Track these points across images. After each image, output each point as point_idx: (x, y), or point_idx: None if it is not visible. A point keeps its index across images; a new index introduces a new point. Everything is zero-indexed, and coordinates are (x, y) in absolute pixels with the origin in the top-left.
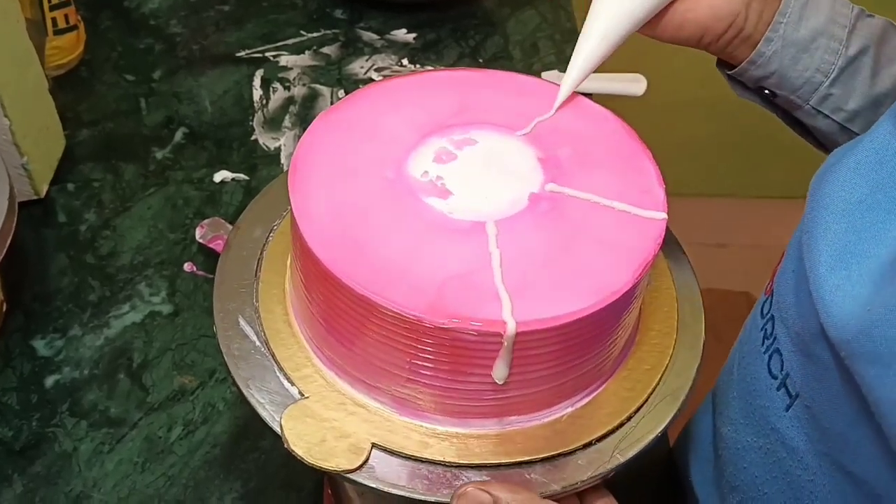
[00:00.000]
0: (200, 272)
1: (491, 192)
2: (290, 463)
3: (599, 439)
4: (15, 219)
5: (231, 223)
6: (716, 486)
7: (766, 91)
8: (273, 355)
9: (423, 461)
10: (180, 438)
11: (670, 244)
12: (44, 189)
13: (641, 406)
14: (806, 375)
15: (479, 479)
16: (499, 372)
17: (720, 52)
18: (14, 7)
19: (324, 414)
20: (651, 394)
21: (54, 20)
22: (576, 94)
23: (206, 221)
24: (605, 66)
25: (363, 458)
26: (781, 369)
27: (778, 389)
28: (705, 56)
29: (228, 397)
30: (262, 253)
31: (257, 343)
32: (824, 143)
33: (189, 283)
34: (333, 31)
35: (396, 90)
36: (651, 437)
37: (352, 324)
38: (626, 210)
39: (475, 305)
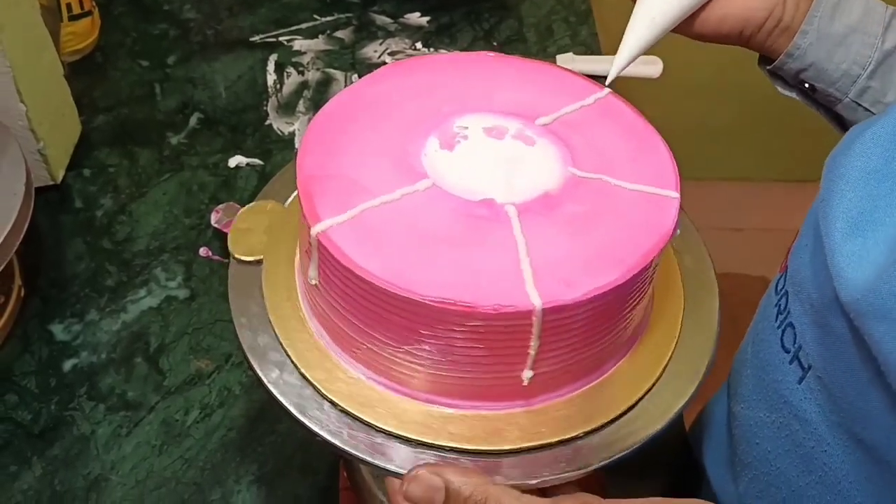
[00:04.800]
0: (216, 257)
1: (501, 177)
2: (306, 446)
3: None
4: (32, 204)
5: None
6: (728, 466)
7: (807, 85)
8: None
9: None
10: (197, 422)
11: (686, 230)
12: (60, 175)
13: (643, 396)
14: (819, 346)
15: (431, 462)
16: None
17: (762, 46)
18: None
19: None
20: (654, 383)
21: (69, 6)
22: (598, 87)
23: (220, 206)
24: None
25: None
26: (794, 342)
27: (790, 363)
28: None
29: (245, 381)
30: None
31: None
32: None
33: (205, 268)
34: (347, 14)
35: (419, 70)
36: (641, 438)
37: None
38: (641, 190)
39: (501, 290)
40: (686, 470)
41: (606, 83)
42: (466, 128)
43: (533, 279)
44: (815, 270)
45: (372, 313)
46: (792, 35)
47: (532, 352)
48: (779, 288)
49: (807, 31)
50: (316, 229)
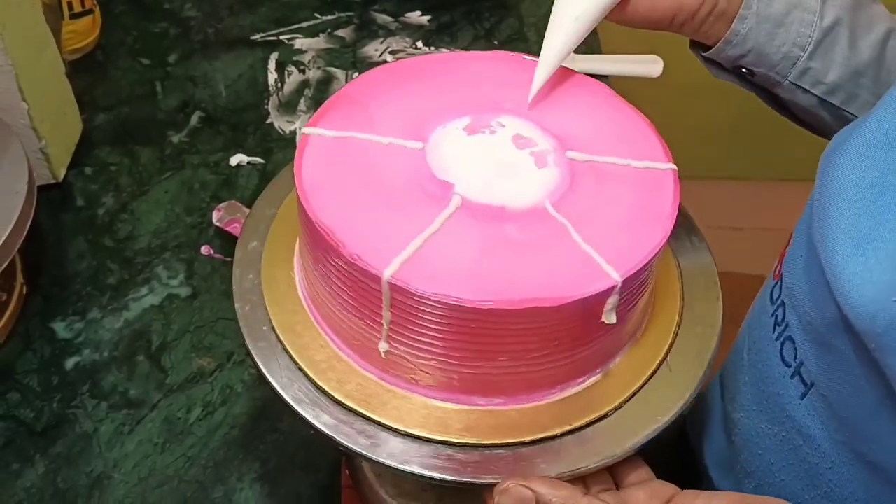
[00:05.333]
0: (217, 255)
1: (475, 170)
2: (308, 444)
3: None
4: (34, 203)
5: (247, 206)
6: (730, 470)
7: (744, 70)
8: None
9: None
10: (199, 420)
11: (688, 230)
12: (62, 173)
13: (634, 396)
14: (822, 365)
15: (520, 477)
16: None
17: (696, 32)
18: None
19: None
20: (652, 375)
21: (70, 4)
22: (668, 158)
23: (222, 205)
24: (622, 48)
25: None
26: (795, 357)
27: (792, 377)
28: None
29: (247, 379)
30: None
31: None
32: (804, 119)
33: (206, 266)
34: (348, 13)
35: (524, 68)
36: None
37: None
38: (590, 255)
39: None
40: (685, 467)
41: (529, 99)
42: (503, 126)
43: (407, 257)
44: (812, 287)
45: (301, 220)
46: (729, 20)
47: (385, 324)
48: (774, 297)
49: (746, 16)
50: (304, 129)
